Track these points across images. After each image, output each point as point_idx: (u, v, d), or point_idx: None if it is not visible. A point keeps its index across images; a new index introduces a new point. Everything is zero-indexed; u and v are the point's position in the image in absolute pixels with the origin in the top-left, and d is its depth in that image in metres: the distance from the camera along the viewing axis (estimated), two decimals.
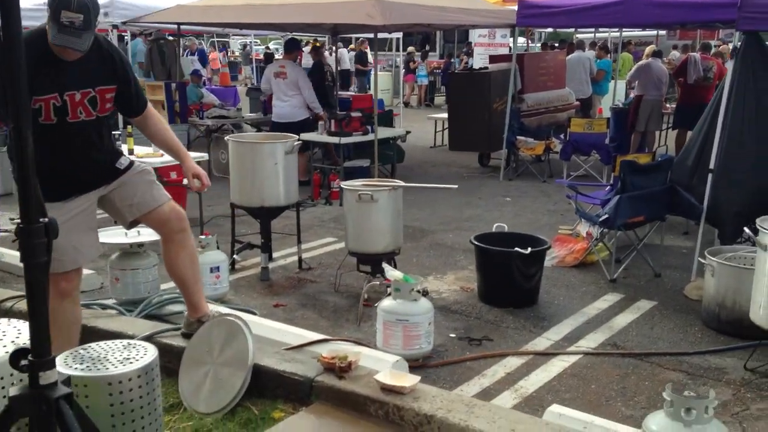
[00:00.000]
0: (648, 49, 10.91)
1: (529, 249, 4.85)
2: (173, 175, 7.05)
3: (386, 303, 4.07)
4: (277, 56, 16.02)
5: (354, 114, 8.19)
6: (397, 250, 5.20)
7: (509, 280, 4.99)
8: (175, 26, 9.77)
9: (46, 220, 1.86)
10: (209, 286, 4.78)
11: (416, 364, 3.95)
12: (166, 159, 6.38)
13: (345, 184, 5.17)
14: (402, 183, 5.19)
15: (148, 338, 3.50)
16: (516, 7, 8.90)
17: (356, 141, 8.22)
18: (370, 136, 8.14)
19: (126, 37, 15.19)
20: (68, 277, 3.16)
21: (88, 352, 2.83)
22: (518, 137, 9.76)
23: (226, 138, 5.58)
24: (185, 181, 3.59)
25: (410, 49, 21.13)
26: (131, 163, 3.43)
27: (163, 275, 5.10)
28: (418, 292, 4.09)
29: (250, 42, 23.78)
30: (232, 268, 5.66)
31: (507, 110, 9.42)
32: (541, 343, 4.40)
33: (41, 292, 1.87)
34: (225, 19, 8.98)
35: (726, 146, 5.23)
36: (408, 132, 10.25)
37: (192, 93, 13.05)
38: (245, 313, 4.62)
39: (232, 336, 3.39)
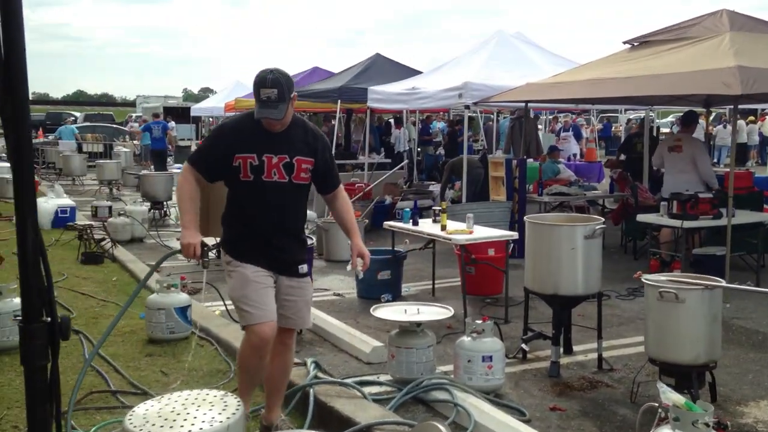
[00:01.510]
0: None
1: None
2: (491, 252, 6.95)
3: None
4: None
5: (702, 195, 7.11)
6: (711, 363, 4.26)
7: None
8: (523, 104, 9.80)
9: (48, 319, 1.71)
10: (480, 376, 4.45)
11: None
12: (479, 236, 6.32)
13: (647, 278, 4.42)
14: (722, 283, 4.25)
15: (367, 428, 3.34)
16: None
17: (703, 226, 7.11)
18: (724, 221, 6.96)
19: (492, 117, 15.84)
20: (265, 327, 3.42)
21: None
22: None
23: (525, 218, 5.24)
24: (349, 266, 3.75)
25: None
26: (308, 273, 3.69)
27: (439, 356, 4.99)
28: (707, 425, 3.20)
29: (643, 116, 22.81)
30: (524, 357, 5.25)
31: None
32: None
33: (41, 399, 1.70)
34: (573, 95, 8.70)
35: None
36: None
37: (548, 168, 12.96)
38: (515, 412, 4.23)
39: None
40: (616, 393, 4.65)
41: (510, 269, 6.52)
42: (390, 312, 4.76)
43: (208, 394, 2.87)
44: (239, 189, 3.52)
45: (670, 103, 10.79)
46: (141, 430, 2.57)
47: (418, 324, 4.63)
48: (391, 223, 7.16)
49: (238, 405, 2.78)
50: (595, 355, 5.18)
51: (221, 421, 2.63)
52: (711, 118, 18.65)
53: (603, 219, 5.13)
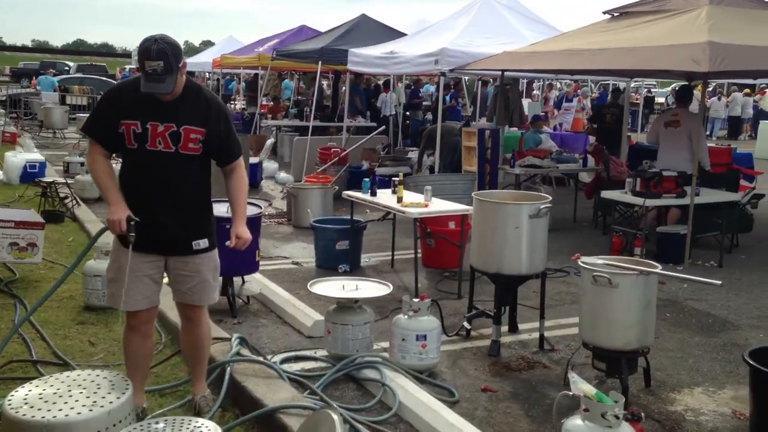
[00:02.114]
0: None
1: None
2: (451, 225, 6.88)
3: (573, 423, 3.23)
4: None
5: (667, 173, 7.00)
6: (643, 350, 4.23)
7: None
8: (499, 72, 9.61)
9: None
10: (413, 354, 4.41)
11: None
12: (434, 210, 6.24)
13: (584, 260, 4.34)
14: (658, 269, 4.17)
15: (273, 411, 3.29)
16: None
17: (666, 204, 7.02)
18: (687, 200, 6.88)
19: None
20: (135, 315, 3.46)
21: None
22: None
23: (473, 193, 5.14)
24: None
25: None
26: (209, 248, 3.52)
27: (383, 332, 4.95)
28: (616, 417, 3.16)
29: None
30: (467, 335, 5.20)
31: None
32: None
33: None
34: (548, 65, 8.55)
35: None
36: (757, 196, 8.49)
37: (530, 138, 12.77)
38: (444, 392, 4.19)
39: None
40: (551, 375, 4.62)
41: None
42: (327, 288, 4.70)
43: (98, 375, 2.82)
44: (125, 158, 3.41)
45: (652, 75, 10.63)
46: (17, 412, 2.52)
47: (356, 300, 4.58)
48: (350, 192, 7.06)
49: (126, 387, 2.73)
50: (538, 334, 5.14)
51: (102, 406, 2.58)
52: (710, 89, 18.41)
53: (550, 198, 5.02)
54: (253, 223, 5.42)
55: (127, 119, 3.29)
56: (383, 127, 12.74)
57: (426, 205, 6.18)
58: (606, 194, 7.60)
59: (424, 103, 19.73)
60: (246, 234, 3.53)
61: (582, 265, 4.30)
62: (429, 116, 18.59)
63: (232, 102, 26.09)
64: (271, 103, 20.54)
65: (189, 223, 3.44)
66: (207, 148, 3.41)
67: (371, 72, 12.75)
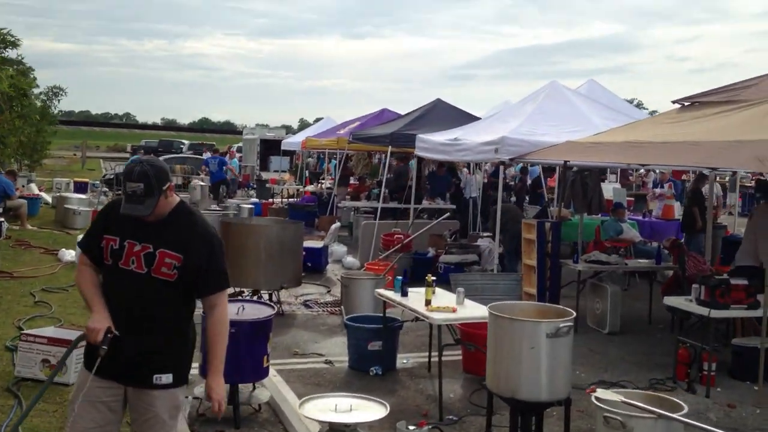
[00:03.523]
0: None
1: None
2: None
3: None
4: None
5: (736, 281, 6.26)
6: None
7: None
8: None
9: None
10: None
11: None
12: (463, 315, 5.84)
13: (599, 394, 3.81)
14: (683, 411, 3.59)
15: None
16: None
17: (734, 316, 6.25)
18: (759, 312, 6.10)
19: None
20: None
21: None
22: None
23: (488, 306, 4.70)
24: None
25: None
26: (172, 384, 3.21)
27: None
28: None
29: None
30: None
31: None
32: None
33: None
34: (610, 158, 8.06)
35: None
36: None
37: (610, 227, 12.10)
38: None
39: None
40: None
41: None
42: (318, 408, 4.36)
43: None
44: (102, 274, 3.28)
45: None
46: None
47: (347, 425, 4.21)
48: (381, 291, 6.73)
49: None
50: None
51: None
52: None
53: (574, 314, 4.51)
54: (262, 327, 5.21)
55: (110, 234, 3.23)
56: (447, 213, 12.39)
57: (454, 310, 5.77)
58: (669, 300, 6.91)
59: (509, 183, 19.25)
60: (219, 392, 3.27)
61: (595, 402, 3.77)
62: (513, 198, 18.11)
63: (321, 180, 26.62)
64: (357, 182, 20.69)
65: (153, 352, 3.20)
66: (184, 276, 3.21)
67: (438, 158, 12.58)
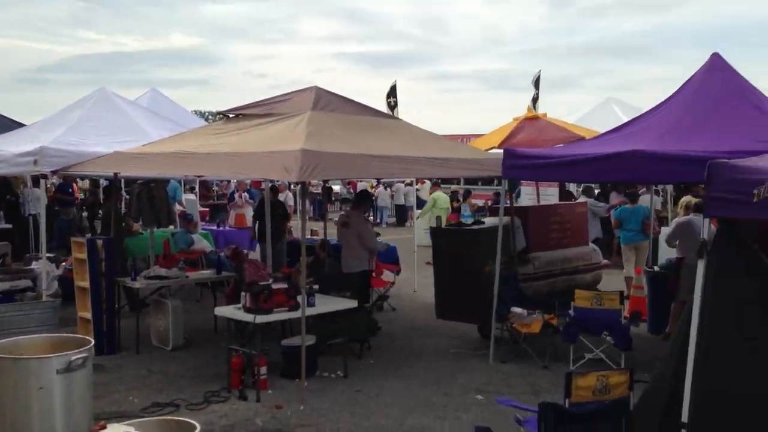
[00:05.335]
0: (685, 201, 8.90)
1: None
2: None
3: None
4: None
5: (277, 285, 6.55)
6: None
7: None
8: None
9: None
10: None
11: None
12: None
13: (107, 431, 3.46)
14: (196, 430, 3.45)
15: None
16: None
17: (277, 320, 6.54)
18: (299, 313, 6.45)
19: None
20: None
21: None
22: (513, 309, 7.83)
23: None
24: None
25: (453, 187, 19.72)
26: None
27: None
28: None
29: None
30: None
31: (496, 275, 7.57)
32: None
33: None
34: (158, 169, 7.81)
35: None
36: (383, 299, 8.52)
37: (181, 239, 11.88)
38: None
39: None
40: None
41: None
42: None
43: None
44: None
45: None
46: None
47: None
48: None
49: None
50: None
51: None
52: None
53: (92, 342, 4.11)
54: None
55: None
56: None
57: None
58: (219, 311, 6.96)
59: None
60: None
61: None
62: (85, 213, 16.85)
63: None
64: None
65: None
66: None
67: None
